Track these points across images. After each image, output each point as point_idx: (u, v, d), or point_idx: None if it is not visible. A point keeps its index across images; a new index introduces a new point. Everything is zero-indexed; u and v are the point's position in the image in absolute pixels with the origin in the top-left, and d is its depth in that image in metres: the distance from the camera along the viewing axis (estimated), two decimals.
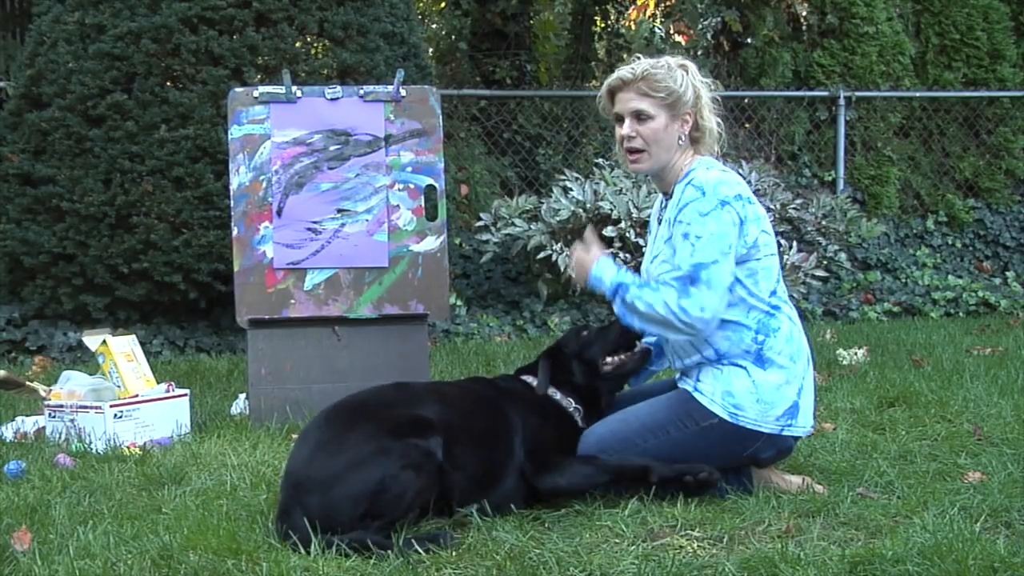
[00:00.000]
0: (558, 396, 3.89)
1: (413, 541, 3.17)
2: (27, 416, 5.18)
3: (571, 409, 3.89)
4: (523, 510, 3.57)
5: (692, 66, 3.81)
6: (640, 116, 3.75)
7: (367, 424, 3.43)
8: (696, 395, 3.71)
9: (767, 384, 3.66)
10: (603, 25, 11.98)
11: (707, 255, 3.57)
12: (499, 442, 3.64)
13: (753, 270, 3.68)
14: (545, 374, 3.92)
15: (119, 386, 5.00)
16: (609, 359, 3.95)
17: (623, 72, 3.78)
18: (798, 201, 8.64)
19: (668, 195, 3.83)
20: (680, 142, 3.77)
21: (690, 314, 3.57)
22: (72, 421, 4.82)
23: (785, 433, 3.69)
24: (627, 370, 3.97)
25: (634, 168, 3.87)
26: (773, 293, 3.73)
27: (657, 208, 3.98)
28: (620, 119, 3.81)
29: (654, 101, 3.73)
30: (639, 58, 3.82)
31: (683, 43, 11.21)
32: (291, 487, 3.34)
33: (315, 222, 5.32)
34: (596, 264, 3.82)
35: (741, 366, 3.67)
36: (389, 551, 3.09)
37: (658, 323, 3.66)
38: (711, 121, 3.80)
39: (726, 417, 3.65)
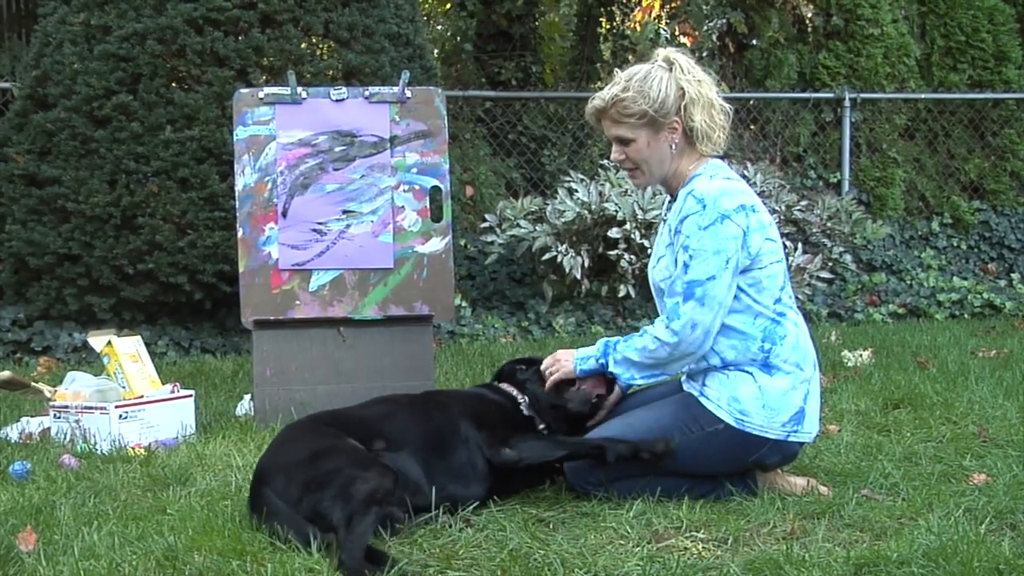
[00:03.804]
0: (506, 387, 4.01)
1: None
2: (32, 417, 5.18)
3: (518, 399, 3.95)
4: (527, 511, 3.58)
5: (681, 60, 3.72)
6: (621, 141, 3.75)
7: (324, 428, 3.61)
8: (702, 400, 3.70)
9: (773, 390, 3.65)
10: (608, 26, 11.98)
11: (702, 271, 3.57)
12: (447, 445, 3.69)
13: (757, 279, 3.66)
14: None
15: (124, 387, 5.00)
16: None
17: (596, 101, 3.77)
18: (803, 203, 8.65)
19: (674, 198, 3.83)
20: (673, 150, 3.73)
21: (680, 335, 3.59)
22: (77, 422, 4.83)
23: (791, 439, 3.68)
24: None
25: (635, 184, 3.98)
26: (778, 300, 3.70)
27: (664, 209, 3.98)
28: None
29: (629, 125, 3.71)
30: (618, 72, 3.78)
31: (688, 44, 11.19)
32: (257, 476, 3.47)
33: (320, 223, 5.32)
34: (574, 357, 3.87)
35: (747, 372, 3.67)
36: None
37: (657, 361, 3.69)
38: (699, 121, 3.69)
39: (732, 423, 3.64)
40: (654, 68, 3.72)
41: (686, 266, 3.59)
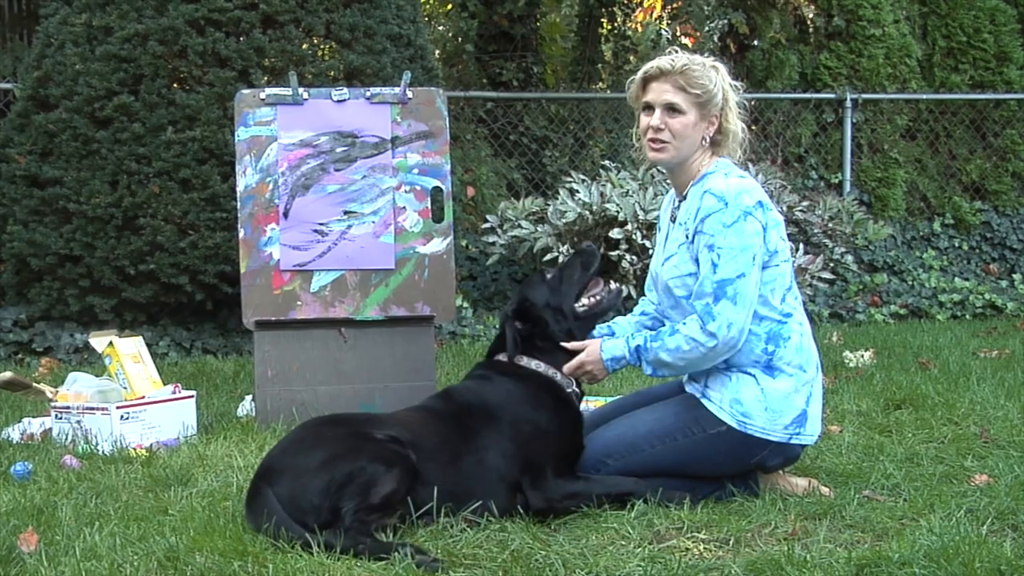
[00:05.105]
0: (547, 371, 3.80)
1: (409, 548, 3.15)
2: (34, 417, 5.19)
3: (569, 389, 3.81)
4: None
5: (723, 68, 3.79)
6: (672, 109, 3.71)
7: (341, 428, 3.53)
8: (704, 402, 3.70)
9: (776, 392, 3.65)
10: (610, 27, 11.97)
11: (732, 270, 3.55)
12: (469, 462, 3.57)
13: (772, 277, 3.66)
14: (513, 340, 3.82)
15: (125, 388, 5.00)
16: (584, 300, 3.89)
17: (662, 62, 3.74)
18: (804, 203, 8.64)
19: (681, 195, 3.82)
20: (703, 142, 3.75)
21: (718, 336, 3.55)
22: (79, 423, 4.83)
23: (793, 442, 3.68)
24: (603, 308, 3.92)
25: (654, 157, 3.80)
26: (784, 300, 3.70)
27: (668, 206, 3.95)
28: (649, 108, 3.76)
29: (688, 97, 3.70)
30: (677, 50, 3.79)
31: (689, 45, 11.19)
32: (261, 472, 3.43)
33: (322, 224, 5.33)
34: (602, 351, 3.78)
35: (750, 374, 3.66)
36: (388, 554, 3.10)
37: (691, 362, 3.64)
38: (735, 124, 3.77)
39: (734, 425, 3.64)
40: (707, 63, 3.76)
41: (714, 265, 3.56)
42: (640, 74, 3.81)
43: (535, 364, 3.82)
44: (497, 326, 8.54)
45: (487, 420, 3.66)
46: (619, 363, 3.78)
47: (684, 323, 3.64)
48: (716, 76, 3.73)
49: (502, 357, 3.87)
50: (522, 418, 3.67)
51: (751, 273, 3.58)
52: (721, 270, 3.56)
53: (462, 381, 4.00)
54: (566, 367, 3.81)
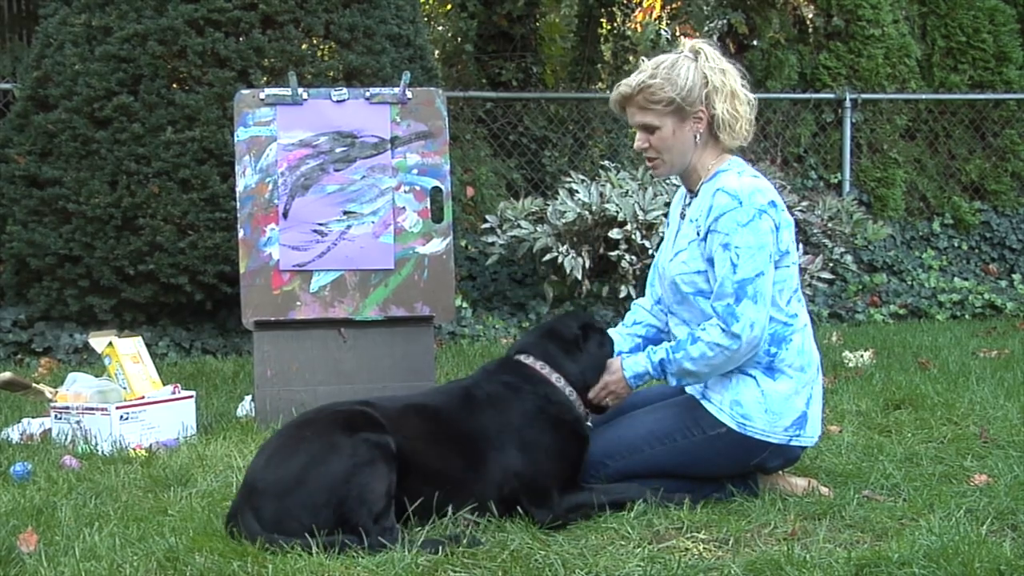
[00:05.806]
0: (577, 402, 3.70)
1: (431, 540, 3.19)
2: (33, 418, 5.19)
3: (580, 410, 3.71)
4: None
5: (707, 50, 3.72)
6: (646, 128, 3.71)
7: (318, 424, 3.43)
8: (704, 403, 3.69)
9: (776, 394, 3.64)
10: (609, 27, 11.97)
11: (750, 269, 3.53)
12: (465, 471, 3.50)
13: (781, 278, 3.64)
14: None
15: (125, 388, 5.00)
16: None
17: (623, 87, 3.73)
18: (804, 203, 8.64)
19: (692, 192, 3.80)
20: (697, 140, 3.71)
21: (741, 337, 3.53)
22: (78, 423, 4.83)
23: (793, 443, 3.68)
24: None
25: (655, 175, 3.89)
26: (789, 302, 3.69)
27: (678, 202, 3.93)
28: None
29: (655, 112, 3.68)
30: (644, 60, 3.76)
31: None
32: (244, 490, 3.35)
33: (321, 224, 5.33)
34: (624, 368, 3.74)
35: (751, 375, 3.65)
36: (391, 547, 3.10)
37: (715, 367, 3.62)
38: (720, 109, 3.67)
39: (734, 427, 3.64)
40: (681, 57, 3.71)
41: (734, 265, 3.54)
42: (612, 103, 3.81)
43: (568, 391, 3.69)
44: (496, 326, 8.55)
45: (503, 444, 3.53)
46: (642, 379, 3.74)
47: (704, 329, 3.60)
48: (689, 69, 3.66)
49: (532, 361, 3.72)
50: (541, 444, 3.55)
51: (768, 272, 3.57)
52: (741, 269, 3.54)
53: (490, 376, 3.74)
54: (591, 393, 3.73)
